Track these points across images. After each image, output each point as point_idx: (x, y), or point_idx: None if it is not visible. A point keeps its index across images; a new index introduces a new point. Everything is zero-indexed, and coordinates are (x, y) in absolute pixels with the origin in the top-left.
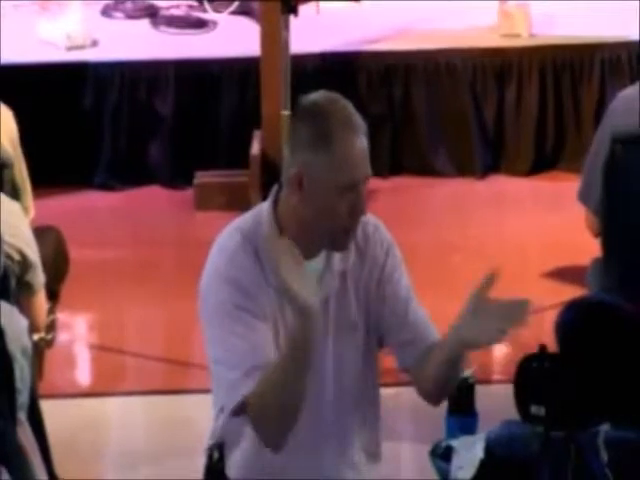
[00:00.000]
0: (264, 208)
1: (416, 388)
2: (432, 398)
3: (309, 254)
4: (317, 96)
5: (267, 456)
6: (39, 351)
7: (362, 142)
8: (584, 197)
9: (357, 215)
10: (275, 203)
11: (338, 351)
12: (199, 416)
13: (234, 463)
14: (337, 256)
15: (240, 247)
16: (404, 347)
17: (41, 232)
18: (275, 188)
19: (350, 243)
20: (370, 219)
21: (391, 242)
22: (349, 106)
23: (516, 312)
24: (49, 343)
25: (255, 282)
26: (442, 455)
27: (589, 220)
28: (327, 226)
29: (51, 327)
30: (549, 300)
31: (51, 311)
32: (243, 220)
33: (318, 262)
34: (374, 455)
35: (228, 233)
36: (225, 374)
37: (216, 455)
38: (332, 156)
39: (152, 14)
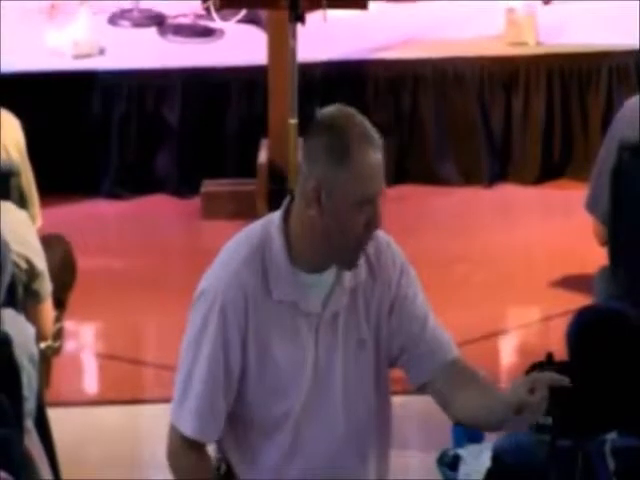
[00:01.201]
0: (274, 219)
1: (443, 409)
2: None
3: (320, 267)
4: (333, 110)
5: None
6: (46, 359)
7: (378, 156)
8: (591, 206)
9: (373, 228)
10: (286, 215)
11: (347, 368)
12: None
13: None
14: (348, 272)
15: (245, 263)
16: (419, 362)
17: (49, 241)
18: (287, 200)
19: (359, 261)
20: (381, 235)
21: (404, 259)
22: (365, 121)
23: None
24: (56, 351)
25: (253, 299)
26: (449, 463)
27: (596, 229)
28: (342, 240)
29: (58, 335)
30: (556, 308)
31: (58, 319)
32: (253, 231)
33: (329, 276)
34: (385, 470)
35: (236, 244)
36: (177, 400)
37: (223, 468)
38: (351, 170)
39: (159, 23)
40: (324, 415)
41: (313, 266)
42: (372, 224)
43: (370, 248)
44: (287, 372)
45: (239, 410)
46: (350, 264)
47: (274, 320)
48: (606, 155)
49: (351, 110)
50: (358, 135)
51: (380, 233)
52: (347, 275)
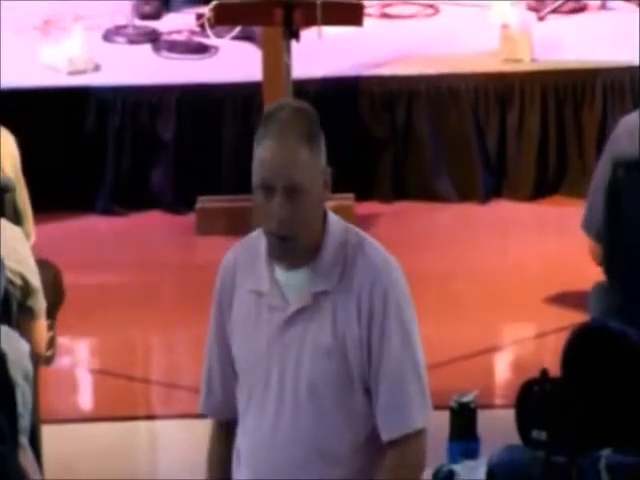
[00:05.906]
0: None
1: None
2: None
3: (289, 265)
4: (282, 101)
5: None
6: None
7: (287, 149)
8: (587, 226)
9: (270, 220)
10: None
11: (301, 371)
12: (200, 440)
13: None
14: (320, 275)
15: (232, 253)
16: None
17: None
18: None
19: (281, 255)
20: (365, 241)
21: (380, 274)
22: (301, 114)
23: None
24: (48, 360)
25: (239, 270)
26: (444, 479)
27: (592, 249)
28: (260, 223)
29: (50, 344)
30: (551, 325)
31: (49, 328)
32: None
33: (301, 275)
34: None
35: None
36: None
37: None
38: (257, 155)
39: (154, 39)
40: (269, 409)
41: (284, 263)
42: (270, 215)
43: (348, 252)
44: (242, 360)
45: None
46: (271, 253)
47: (245, 307)
48: (601, 174)
49: (294, 103)
50: (276, 124)
51: (366, 239)
52: (320, 278)
